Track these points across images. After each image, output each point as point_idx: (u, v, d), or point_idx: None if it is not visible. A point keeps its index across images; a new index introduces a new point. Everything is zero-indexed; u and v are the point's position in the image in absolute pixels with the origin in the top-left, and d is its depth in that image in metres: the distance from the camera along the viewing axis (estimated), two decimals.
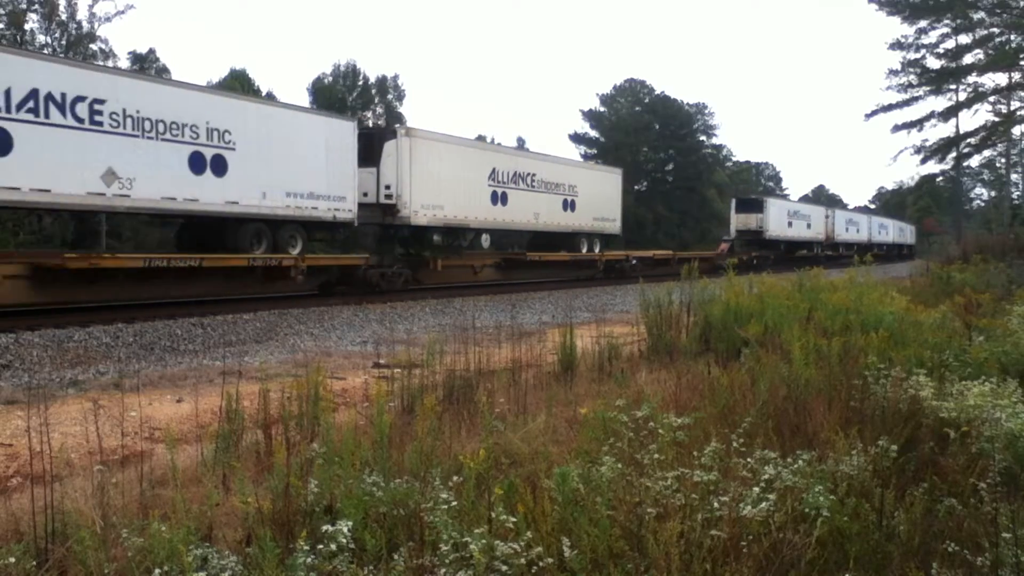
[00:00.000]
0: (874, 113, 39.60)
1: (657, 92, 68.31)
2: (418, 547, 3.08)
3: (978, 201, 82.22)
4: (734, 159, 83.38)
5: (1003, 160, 56.22)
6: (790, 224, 44.30)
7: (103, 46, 32.85)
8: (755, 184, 79.06)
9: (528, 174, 25.26)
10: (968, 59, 37.07)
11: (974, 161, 53.23)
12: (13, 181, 12.44)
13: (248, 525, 3.49)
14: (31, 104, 12.62)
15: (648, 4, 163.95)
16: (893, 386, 5.14)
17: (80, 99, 13.26)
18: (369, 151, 19.42)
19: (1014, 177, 58.13)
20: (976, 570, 3.09)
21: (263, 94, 39.20)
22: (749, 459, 3.72)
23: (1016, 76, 36.17)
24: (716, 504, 3.22)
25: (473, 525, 3.02)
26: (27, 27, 30.95)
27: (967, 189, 75.78)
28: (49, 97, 12.86)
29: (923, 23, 37.16)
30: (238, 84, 37.03)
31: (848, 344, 6.66)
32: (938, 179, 61.80)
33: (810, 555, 3.08)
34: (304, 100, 44.23)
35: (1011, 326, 7.60)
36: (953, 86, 39.50)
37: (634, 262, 30.56)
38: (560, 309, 18.25)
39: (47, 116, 12.82)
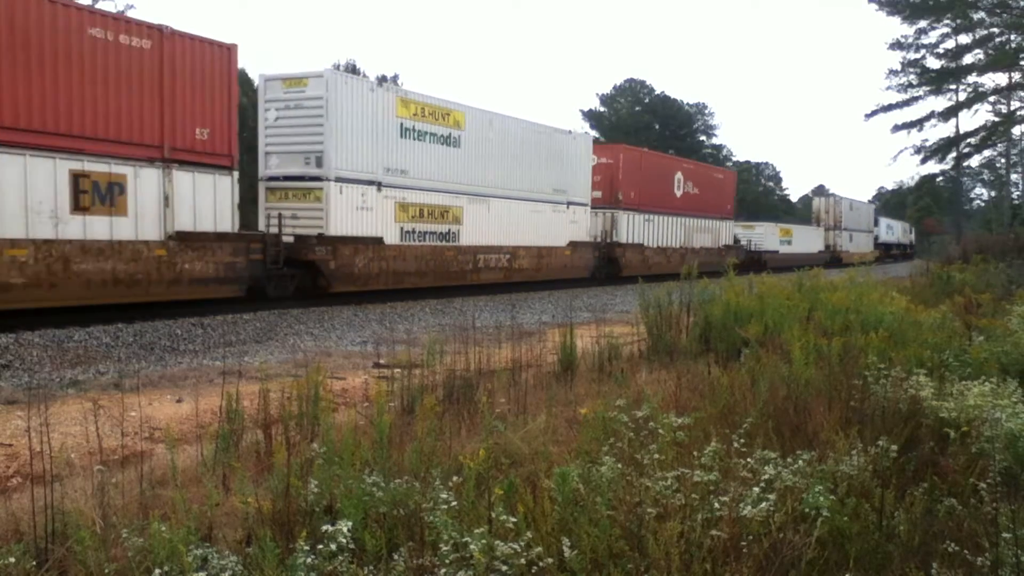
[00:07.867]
0: (874, 113, 39.81)
1: (657, 92, 68.53)
2: (418, 547, 3.08)
3: (978, 201, 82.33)
4: (734, 159, 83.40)
5: (1003, 160, 56.19)
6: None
7: None
8: (755, 184, 78.94)
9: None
10: (968, 59, 37.22)
11: (974, 161, 53.28)
12: None
13: (248, 525, 3.49)
14: None
15: (648, 4, 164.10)
16: (893, 386, 5.14)
17: None
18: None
19: (1014, 177, 58.10)
20: (976, 570, 3.09)
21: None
22: (749, 459, 3.72)
23: (1016, 76, 36.25)
24: (716, 504, 3.22)
25: (473, 525, 3.02)
26: None
27: (967, 189, 75.81)
28: None
29: (923, 23, 37.30)
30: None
31: (848, 344, 6.66)
32: (938, 179, 61.92)
33: (810, 555, 3.08)
34: None
35: (1011, 326, 7.60)
36: (953, 86, 39.60)
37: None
38: (560, 309, 18.25)
39: None
